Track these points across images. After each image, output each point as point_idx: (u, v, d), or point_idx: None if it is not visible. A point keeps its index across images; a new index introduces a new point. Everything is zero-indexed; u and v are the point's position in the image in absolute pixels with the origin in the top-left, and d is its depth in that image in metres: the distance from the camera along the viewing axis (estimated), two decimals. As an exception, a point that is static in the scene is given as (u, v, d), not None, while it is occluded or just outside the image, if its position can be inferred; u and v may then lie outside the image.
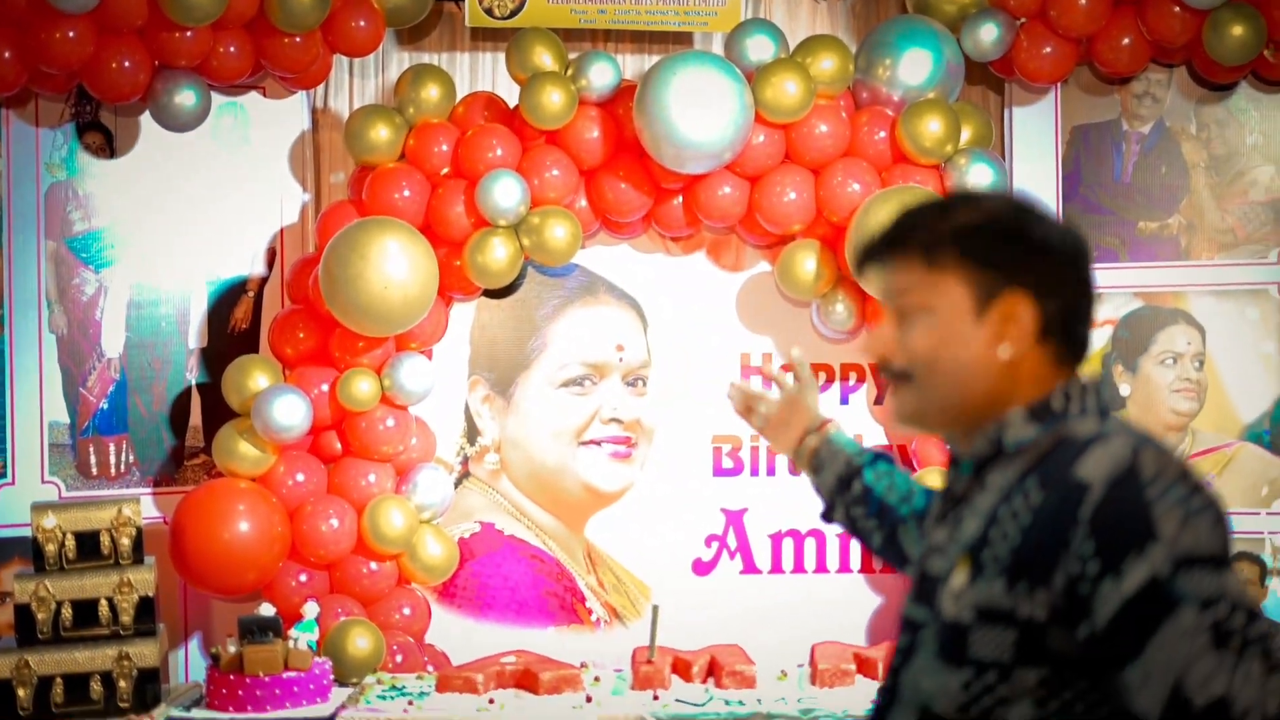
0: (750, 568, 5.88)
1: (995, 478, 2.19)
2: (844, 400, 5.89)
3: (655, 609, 5.07)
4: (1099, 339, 5.86)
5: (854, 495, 2.92)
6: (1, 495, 5.50)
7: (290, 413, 5.39)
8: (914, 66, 5.60)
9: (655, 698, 4.87)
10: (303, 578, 5.50)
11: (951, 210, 2.27)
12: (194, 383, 5.77)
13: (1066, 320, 2.21)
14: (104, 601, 4.92)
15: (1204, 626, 1.94)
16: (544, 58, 5.59)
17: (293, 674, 4.82)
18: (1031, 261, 2.19)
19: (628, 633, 5.75)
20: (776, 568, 5.89)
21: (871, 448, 3.02)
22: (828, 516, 3.01)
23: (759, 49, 5.57)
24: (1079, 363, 2.24)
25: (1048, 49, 5.65)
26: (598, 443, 5.84)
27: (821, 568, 5.88)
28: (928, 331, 2.23)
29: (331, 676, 4.99)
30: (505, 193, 5.46)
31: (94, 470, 5.64)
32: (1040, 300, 2.18)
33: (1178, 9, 5.51)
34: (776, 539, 5.90)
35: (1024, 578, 2.05)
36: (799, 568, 5.89)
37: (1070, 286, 2.21)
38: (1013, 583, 2.07)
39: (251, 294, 5.83)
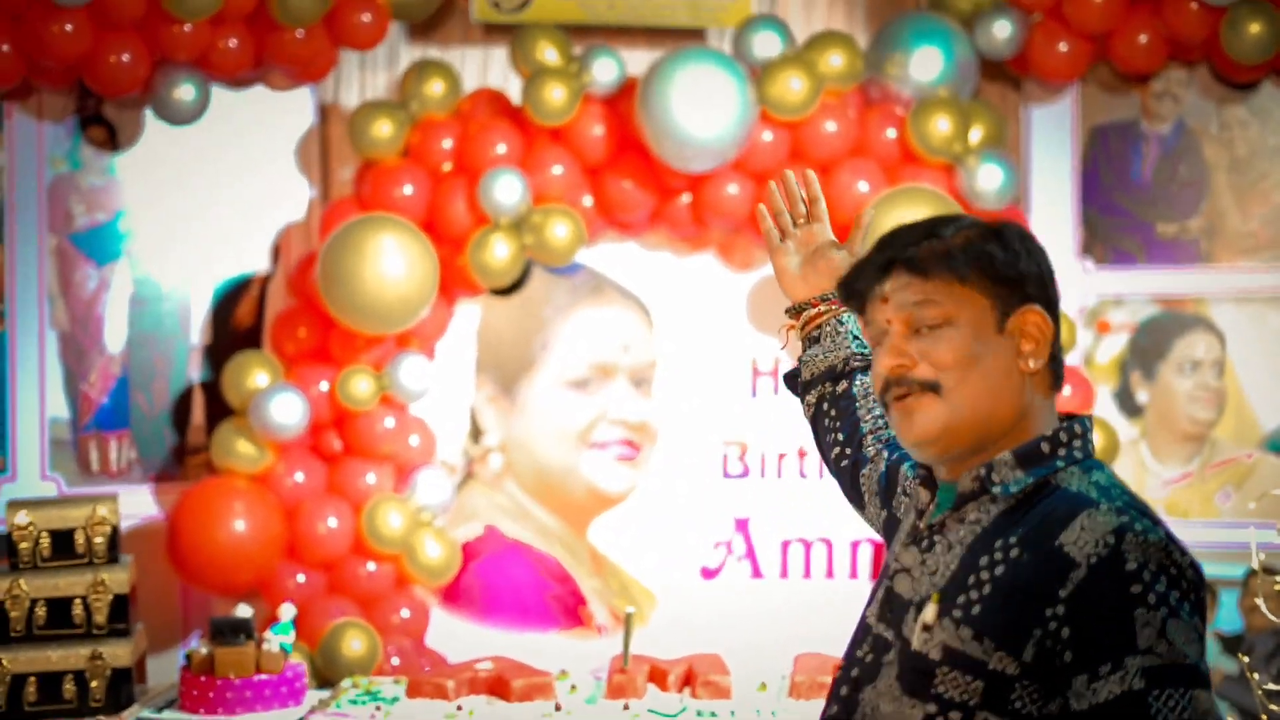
0: (757, 573, 5.78)
1: (974, 514, 2.20)
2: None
3: (629, 616, 4.99)
4: (1117, 345, 5.74)
5: (836, 393, 2.76)
6: (2, 491, 5.47)
7: (288, 411, 5.35)
8: (925, 64, 5.49)
9: (625, 707, 4.79)
10: (300, 578, 5.46)
11: (964, 227, 2.27)
12: (197, 380, 5.74)
13: (1055, 343, 2.26)
14: (78, 601, 4.89)
15: None
16: (548, 53, 5.51)
17: (264, 676, 4.78)
18: (1039, 279, 2.24)
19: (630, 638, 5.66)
20: (784, 573, 5.78)
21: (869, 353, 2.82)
22: (793, 384, 2.86)
23: (766, 45, 5.48)
24: (1059, 390, 2.28)
25: (1062, 46, 5.53)
26: (603, 445, 5.76)
27: (830, 574, 5.77)
28: (955, 342, 2.21)
29: (305, 679, 4.94)
30: (506, 190, 5.39)
31: (95, 466, 5.62)
32: (1050, 316, 2.24)
33: (1195, 6, 5.37)
34: (784, 545, 5.79)
35: (992, 637, 2.08)
36: (807, 574, 5.78)
37: (1057, 311, 2.26)
38: (980, 637, 2.08)
39: (256, 291, 5.79)
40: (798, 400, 2.85)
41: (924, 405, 2.22)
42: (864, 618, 2.33)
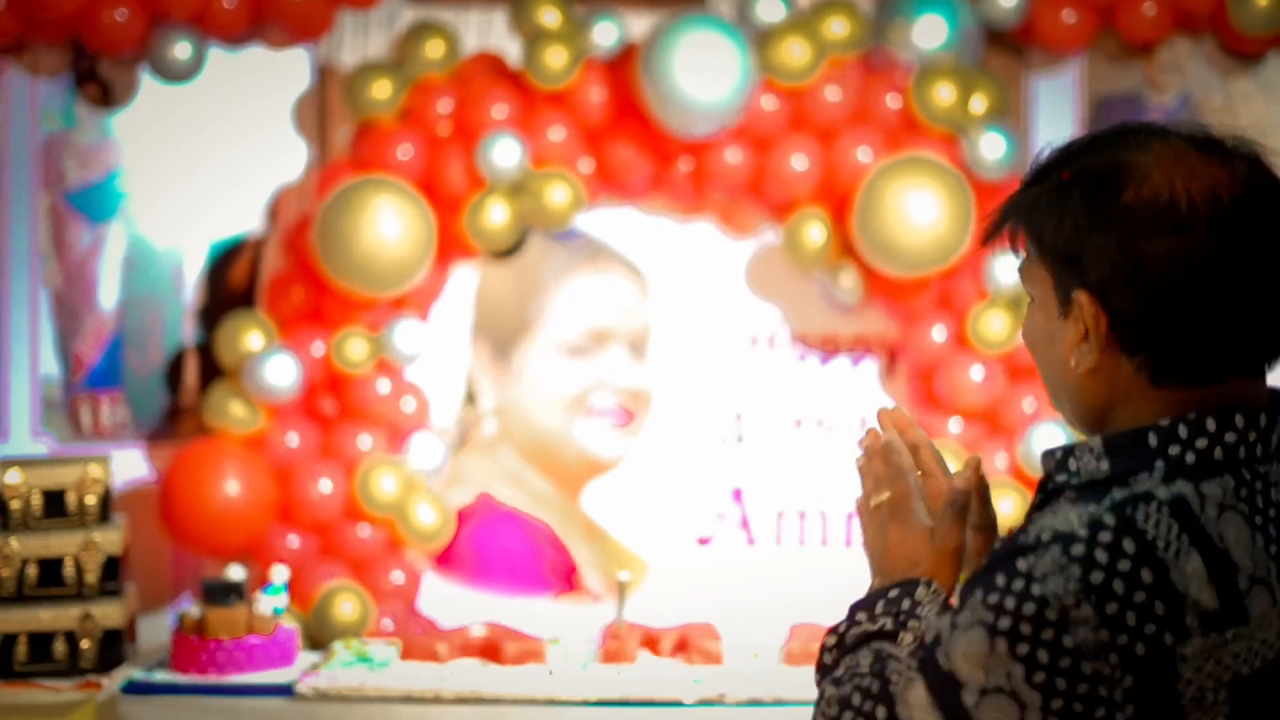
0: (751, 542, 5.75)
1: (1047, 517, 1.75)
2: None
3: (623, 583, 4.98)
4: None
5: None
6: (-6, 451, 5.46)
7: (281, 373, 5.31)
8: (929, 31, 5.42)
9: (618, 674, 4.79)
10: (292, 540, 5.43)
11: (1036, 177, 1.87)
12: (190, 341, 5.70)
13: (1170, 324, 1.73)
14: (69, 560, 4.87)
15: None
16: (549, 16, 5.46)
17: (255, 638, 4.77)
18: (1101, 246, 1.74)
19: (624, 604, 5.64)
20: (778, 542, 5.76)
21: None
22: None
23: (768, 10, 5.42)
24: (1210, 381, 1.75)
25: (1067, 16, 5.47)
26: (598, 411, 5.73)
27: (824, 543, 5.74)
28: (1030, 321, 1.86)
29: (296, 641, 4.93)
30: (504, 153, 5.34)
31: (86, 426, 5.58)
32: (1110, 299, 1.74)
33: (1202, -25, 5.33)
34: (778, 513, 5.76)
35: None
36: (802, 543, 5.75)
37: (1182, 274, 1.72)
38: None
39: (250, 252, 5.74)
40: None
41: None
42: None
